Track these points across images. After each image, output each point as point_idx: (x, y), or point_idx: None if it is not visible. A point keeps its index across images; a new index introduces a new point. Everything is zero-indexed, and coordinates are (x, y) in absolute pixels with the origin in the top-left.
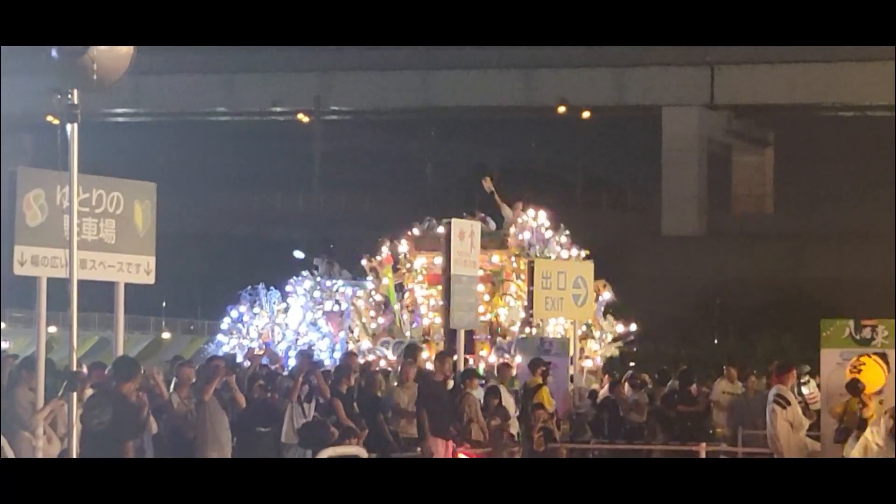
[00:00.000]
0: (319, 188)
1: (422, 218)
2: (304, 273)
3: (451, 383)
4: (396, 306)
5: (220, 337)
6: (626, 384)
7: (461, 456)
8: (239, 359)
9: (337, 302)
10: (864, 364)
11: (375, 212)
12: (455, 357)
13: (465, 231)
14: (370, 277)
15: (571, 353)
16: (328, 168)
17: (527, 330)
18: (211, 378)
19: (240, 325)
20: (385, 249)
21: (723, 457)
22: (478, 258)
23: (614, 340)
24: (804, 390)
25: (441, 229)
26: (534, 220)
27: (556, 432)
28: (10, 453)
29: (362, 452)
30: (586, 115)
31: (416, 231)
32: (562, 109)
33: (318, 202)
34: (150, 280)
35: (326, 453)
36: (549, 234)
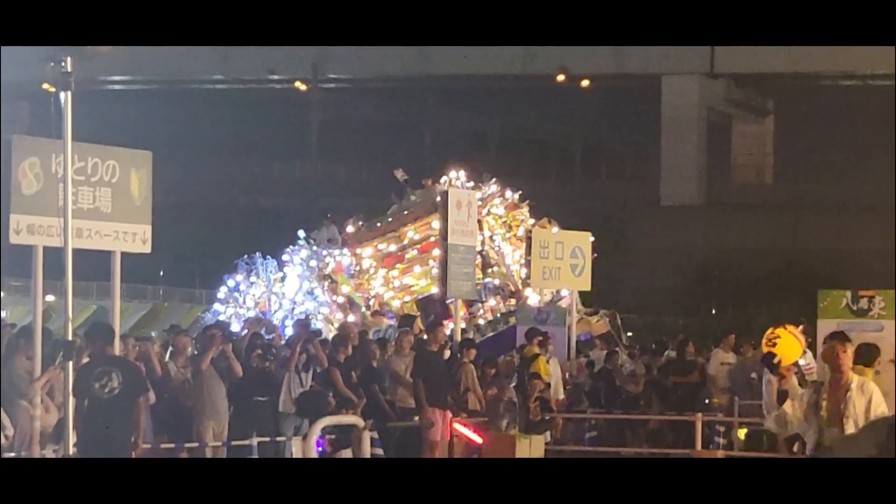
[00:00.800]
0: (317, 157)
1: (352, 214)
2: (301, 242)
3: (447, 353)
4: (361, 304)
5: (216, 306)
6: (623, 354)
7: (457, 426)
8: (235, 328)
9: (333, 270)
10: (779, 337)
11: (373, 180)
12: (451, 327)
13: (463, 200)
14: (326, 284)
15: (568, 322)
16: (326, 137)
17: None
18: (208, 347)
19: (236, 295)
20: (332, 259)
21: (719, 427)
22: (475, 227)
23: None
24: (800, 361)
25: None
26: (456, 180)
27: (553, 402)
28: (7, 422)
29: (360, 422)
30: (585, 83)
31: (350, 229)
32: (561, 78)
33: (316, 171)
34: (147, 249)
35: (324, 422)
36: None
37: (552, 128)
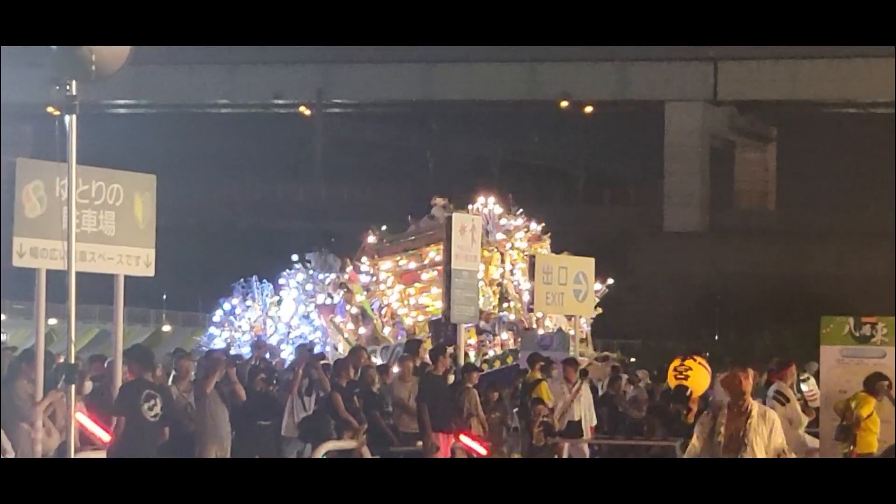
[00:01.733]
0: (321, 179)
1: (371, 225)
2: (297, 266)
3: (451, 377)
4: (375, 316)
5: (211, 329)
6: (626, 380)
7: (463, 438)
8: (234, 351)
9: (329, 295)
10: (691, 369)
11: (377, 203)
12: (453, 351)
13: (466, 225)
14: (342, 292)
15: (572, 349)
16: (329, 159)
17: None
18: (211, 371)
19: (231, 318)
20: (348, 267)
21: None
22: (479, 253)
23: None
24: (803, 387)
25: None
26: (484, 207)
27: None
28: (8, 445)
29: (363, 447)
30: (589, 109)
31: (371, 239)
32: (564, 104)
33: (320, 193)
34: (150, 272)
35: (326, 447)
36: (498, 212)
37: (555, 153)
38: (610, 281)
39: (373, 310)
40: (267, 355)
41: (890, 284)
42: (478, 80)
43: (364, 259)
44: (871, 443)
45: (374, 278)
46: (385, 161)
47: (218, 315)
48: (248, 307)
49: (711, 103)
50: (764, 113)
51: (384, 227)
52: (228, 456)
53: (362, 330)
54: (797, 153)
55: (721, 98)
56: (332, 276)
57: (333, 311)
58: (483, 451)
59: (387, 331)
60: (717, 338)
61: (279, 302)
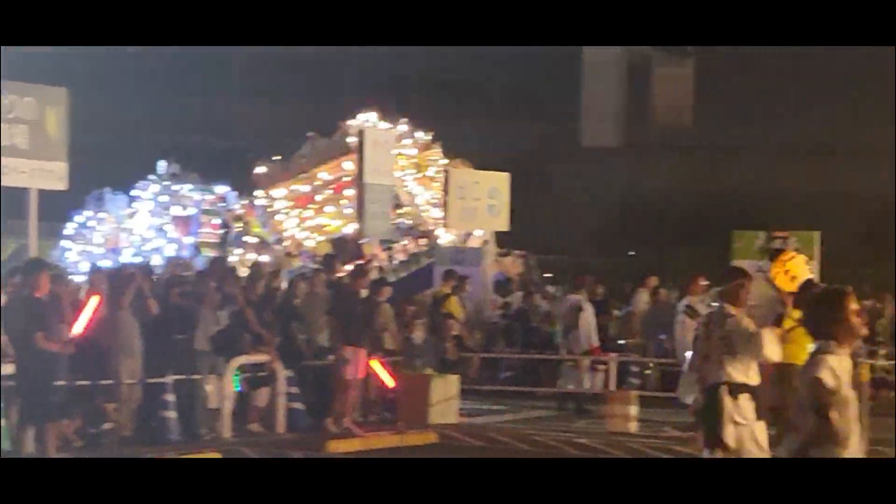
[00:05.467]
0: (237, 95)
1: (253, 156)
2: (152, 177)
3: (364, 292)
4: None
5: (63, 242)
6: (539, 295)
7: (373, 364)
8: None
9: (184, 206)
10: (792, 259)
11: (289, 120)
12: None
13: (379, 140)
14: (239, 226)
15: (486, 262)
16: (245, 75)
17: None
18: (126, 286)
19: (85, 231)
20: (239, 201)
21: (633, 367)
22: (392, 167)
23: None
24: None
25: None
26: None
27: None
28: None
29: (275, 360)
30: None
31: (261, 169)
32: None
33: (233, 110)
34: (63, 186)
35: (238, 361)
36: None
37: (472, 68)
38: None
39: (273, 241)
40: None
41: (804, 199)
42: None
43: (258, 191)
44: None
45: (271, 207)
46: (299, 76)
47: (71, 228)
48: (102, 220)
49: None
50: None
51: (279, 158)
52: (141, 369)
53: (264, 257)
54: (716, 69)
55: None
56: (188, 187)
57: (188, 222)
58: (391, 383)
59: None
60: (632, 254)
61: (133, 214)
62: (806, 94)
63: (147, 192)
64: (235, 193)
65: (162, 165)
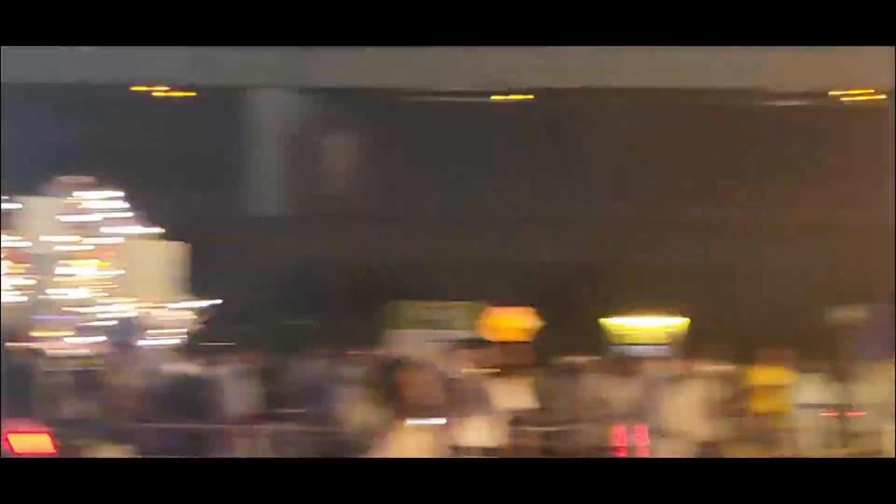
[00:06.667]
0: None
1: None
2: None
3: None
4: None
5: None
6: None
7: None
8: None
9: None
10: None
11: None
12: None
13: (40, 209)
14: None
15: (145, 331)
16: None
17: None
18: None
19: None
20: None
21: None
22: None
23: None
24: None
25: None
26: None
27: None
28: None
29: None
30: (160, 92)
31: None
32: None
33: None
34: None
35: None
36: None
37: (132, 136)
38: None
39: None
40: None
41: (469, 271)
42: (48, 63)
43: None
44: None
45: None
46: None
47: None
48: None
49: (300, 90)
50: (352, 100)
51: None
52: None
53: None
54: (383, 140)
55: (309, 85)
56: None
57: None
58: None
59: None
60: (298, 322)
61: None
62: (466, 166)
63: None
64: None
65: None
